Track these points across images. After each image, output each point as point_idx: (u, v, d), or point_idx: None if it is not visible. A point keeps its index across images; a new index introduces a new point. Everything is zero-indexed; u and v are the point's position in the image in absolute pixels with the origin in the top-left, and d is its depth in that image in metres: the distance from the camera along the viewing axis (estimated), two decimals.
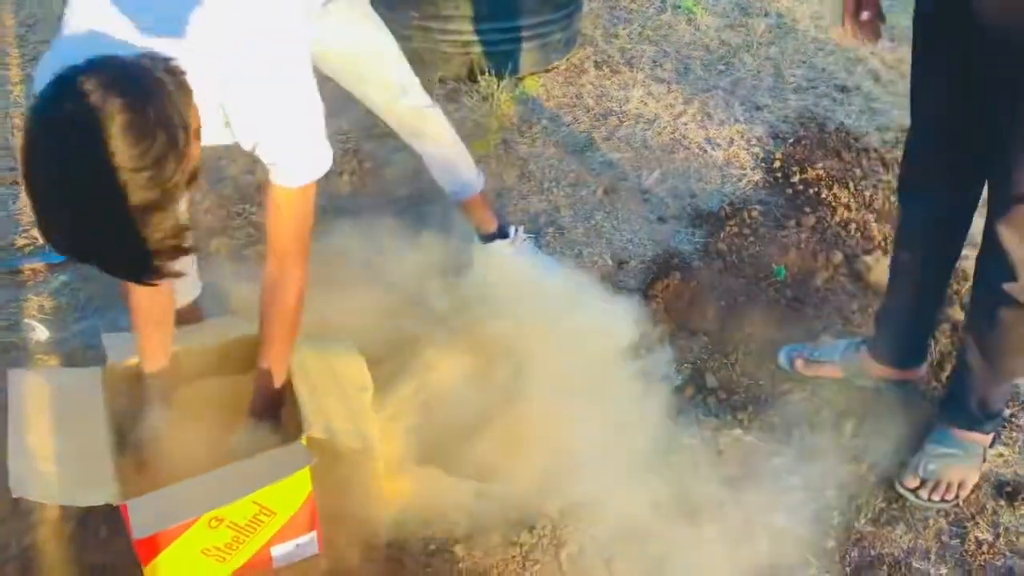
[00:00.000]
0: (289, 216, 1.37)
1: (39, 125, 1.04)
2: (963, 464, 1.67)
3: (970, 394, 1.64)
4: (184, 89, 1.14)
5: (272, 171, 1.33)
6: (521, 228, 2.17)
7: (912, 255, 1.72)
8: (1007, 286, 1.47)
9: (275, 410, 1.51)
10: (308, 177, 1.34)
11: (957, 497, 1.66)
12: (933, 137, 1.55)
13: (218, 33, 1.21)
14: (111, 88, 1.02)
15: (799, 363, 1.90)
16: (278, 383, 1.49)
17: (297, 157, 1.32)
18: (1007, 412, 1.77)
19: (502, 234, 2.12)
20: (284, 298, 1.42)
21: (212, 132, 1.25)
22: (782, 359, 1.93)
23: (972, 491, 1.67)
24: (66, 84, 1.03)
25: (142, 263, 1.11)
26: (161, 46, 1.16)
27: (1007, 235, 1.43)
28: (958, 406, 1.67)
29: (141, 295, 1.45)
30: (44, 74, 1.10)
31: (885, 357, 1.83)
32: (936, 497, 1.65)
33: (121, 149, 1.02)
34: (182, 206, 1.26)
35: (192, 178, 1.12)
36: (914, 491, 1.66)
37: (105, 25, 1.17)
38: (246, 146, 1.30)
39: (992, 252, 1.47)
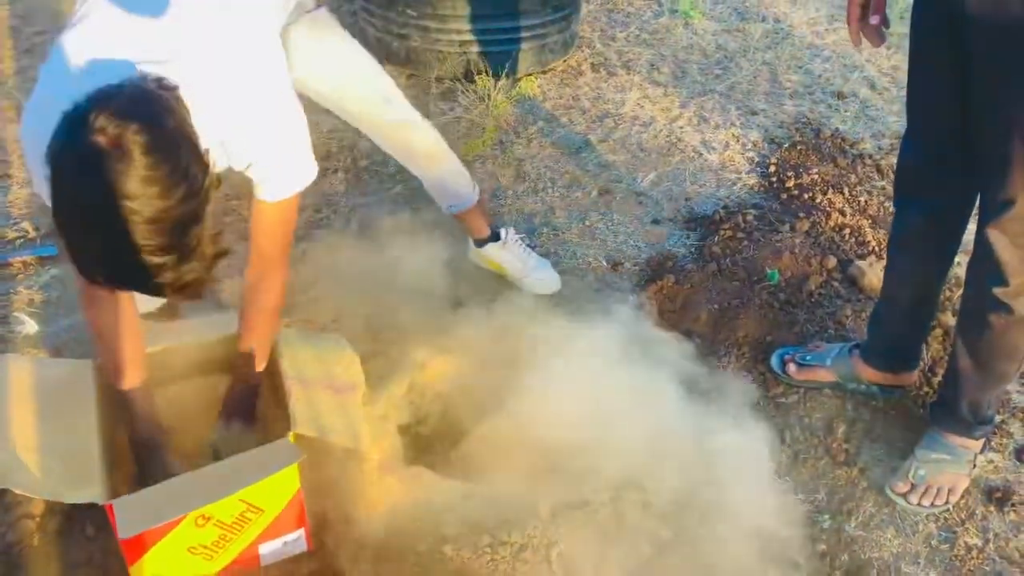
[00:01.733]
0: (277, 225, 1.42)
1: (64, 168, 1.03)
2: (953, 469, 1.67)
3: (961, 399, 1.64)
4: (182, 102, 1.14)
5: (261, 187, 1.37)
6: (512, 229, 2.16)
7: (906, 260, 1.72)
8: (997, 291, 1.47)
9: (249, 409, 1.54)
10: (295, 190, 1.39)
11: (947, 502, 1.66)
12: (927, 144, 1.57)
13: (204, 63, 1.23)
14: (123, 116, 1.02)
15: (791, 367, 1.90)
16: (253, 380, 1.53)
17: (286, 173, 1.37)
18: (997, 418, 1.77)
19: (494, 237, 2.12)
20: (266, 299, 1.49)
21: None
22: (774, 362, 1.93)
23: (962, 496, 1.68)
24: (79, 122, 1.02)
25: (192, 276, 1.12)
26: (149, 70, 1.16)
27: (997, 240, 1.43)
28: (949, 411, 1.67)
29: (105, 309, 1.40)
30: (41, 114, 1.09)
31: (877, 362, 1.83)
32: (926, 502, 1.65)
33: (151, 170, 1.02)
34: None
35: (217, 182, 1.13)
36: (904, 496, 1.67)
37: (95, 56, 1.17)
38: (239, 167, 1.32)
39: (983, 257, 1.47)
